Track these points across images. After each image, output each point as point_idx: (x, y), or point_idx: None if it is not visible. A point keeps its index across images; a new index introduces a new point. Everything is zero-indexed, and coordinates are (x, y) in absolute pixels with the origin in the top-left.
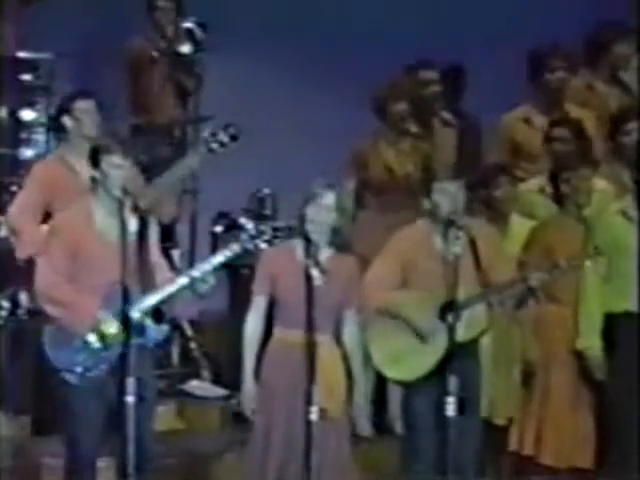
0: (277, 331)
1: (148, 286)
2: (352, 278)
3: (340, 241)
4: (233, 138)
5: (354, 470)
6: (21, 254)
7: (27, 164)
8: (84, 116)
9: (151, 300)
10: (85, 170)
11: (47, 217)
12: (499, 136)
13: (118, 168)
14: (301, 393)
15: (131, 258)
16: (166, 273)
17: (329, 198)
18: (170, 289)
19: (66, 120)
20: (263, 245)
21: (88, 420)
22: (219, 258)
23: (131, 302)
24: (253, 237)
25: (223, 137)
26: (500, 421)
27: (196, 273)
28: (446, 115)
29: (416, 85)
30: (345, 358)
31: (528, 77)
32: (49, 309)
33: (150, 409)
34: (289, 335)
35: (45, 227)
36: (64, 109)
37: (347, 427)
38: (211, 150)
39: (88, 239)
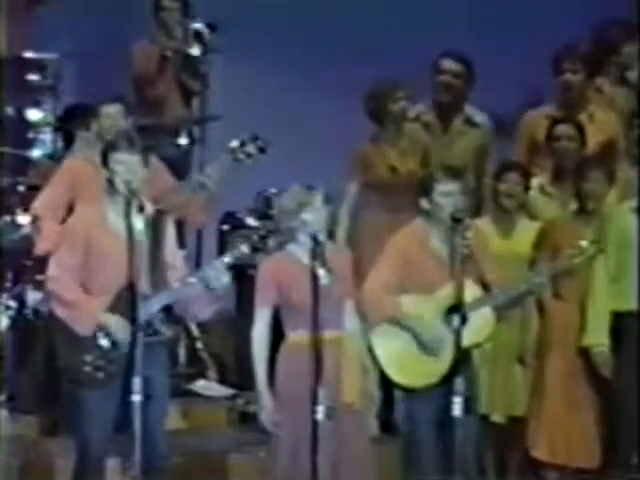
0: (292, 335)
1: (160, 286)
2: (347, 268)
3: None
4: (261, 150)
5: (372, 462)
6: (39, 249)
7: (33, 164)
8: (108, 121)
9: (160, 301)
10: None
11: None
12: (520, 132)
13: (123, 165)
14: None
15: (142, 258)
16: (179, 274)
17: (318, 200)
18: (178, 290)
19: (93, 123)
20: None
21: (97, 420)
22: (228, 259)
23: (140, 302)
24: (263, 237)
25: (251, 148)
26: (499, 418)
27: (204, 274)
28: (471, 112)
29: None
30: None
31: (553, 76)
32: (56, 308)
33: (162, 408)
34: (306, 337)
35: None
36: (93, 113)
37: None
38: (237, 160)
39: (100, 238)
